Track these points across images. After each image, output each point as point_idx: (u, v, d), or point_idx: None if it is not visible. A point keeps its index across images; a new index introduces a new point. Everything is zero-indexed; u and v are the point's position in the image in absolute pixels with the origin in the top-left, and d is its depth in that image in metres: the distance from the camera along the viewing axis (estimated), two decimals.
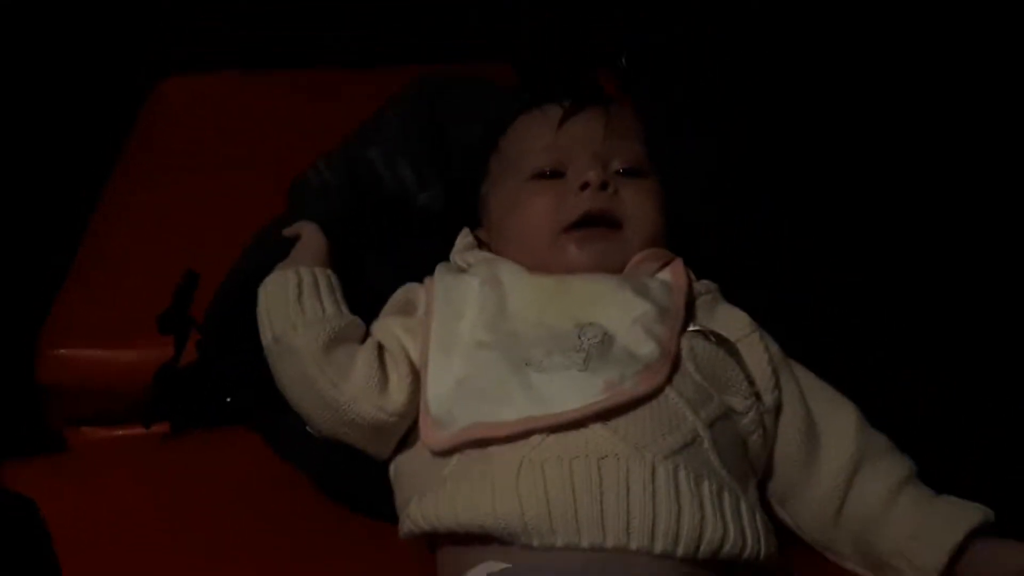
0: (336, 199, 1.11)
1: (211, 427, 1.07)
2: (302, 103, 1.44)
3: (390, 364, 0.92)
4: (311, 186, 1.14)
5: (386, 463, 0.94)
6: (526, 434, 0.82)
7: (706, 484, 0.81)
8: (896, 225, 1.27)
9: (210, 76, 1.52)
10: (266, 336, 0.95)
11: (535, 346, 0.88)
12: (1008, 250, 1.25)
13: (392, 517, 0.90)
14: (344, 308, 0.96)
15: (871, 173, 1.33)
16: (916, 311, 1.18)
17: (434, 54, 1.54)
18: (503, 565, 0.78)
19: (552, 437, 0.82)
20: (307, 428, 0.95)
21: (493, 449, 0.83)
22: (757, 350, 0.93)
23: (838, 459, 0.91)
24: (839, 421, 0.93)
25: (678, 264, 0.98)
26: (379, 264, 1.06)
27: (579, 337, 0.88)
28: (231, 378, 1.04)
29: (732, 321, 0.95)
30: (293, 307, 0.94)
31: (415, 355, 0.93)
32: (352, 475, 0.96)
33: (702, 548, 0.78)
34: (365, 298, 0.99)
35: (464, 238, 1.05)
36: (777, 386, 0.92)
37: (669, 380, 0.86)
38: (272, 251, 1.02)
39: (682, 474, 0.80)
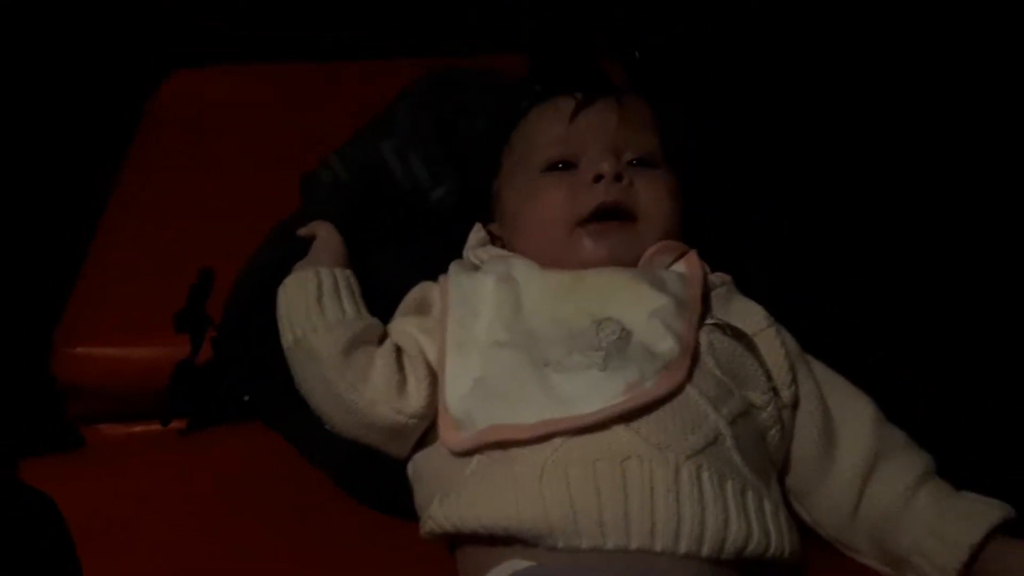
0: (349, 195, 1.11)
1: (228, 424, 1.07)
2: (310, 96, 1.43)
3: (408, 366, 0.92)
4: (323, 182, 1.14)
5: (404, 461, 0.94)
6: (548, 437, 0.82)
7: (730, 484, 0.81)
8: (896, 225, 1.27)
9: (217, 70, 1.50)
10: (287, 338, 0.95)
11: (553, 345, 0.87)
12: (1008, 250, 1.26)
13: (410, 514, 0.90)
14: (364, 310, 0.96)
15: (871, 173, 1.33)
16: (916, 311, 1.19)
17: (443, 46, 1.52)
18: (528, 563, 0.78)
19: (574, 439, 0.81)
20: (325, 427, 0.95)
21: (514, 451, 0.82)
22: (774, 344, 0.92)
23: (854, 455, 0.90)
24: (855, 416, 0.92)
25: (693, 256, 0.98)
26: (393, 261, 1.06)
27: (597, 334, 0.87)
28: (249, 376, 1.05)
29: (748, 315, 0.94)
30: (313, 309, 0.94)
31: (432, 356, 0.93)
32: (370, 472, 0.96)
33: (726, 548, 0.78)
34: (378, 295, 0.99)
35: (477, 233, 1.04)
36: (794, 381, 0.92)
37: (689, 377, 0.86)
38: (288, 249, 1.02)
39: (705, 474, 0.80)
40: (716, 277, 0.98)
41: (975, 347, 1.16)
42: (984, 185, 1.31)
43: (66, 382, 1.10)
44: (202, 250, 1.15)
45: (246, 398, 1.05)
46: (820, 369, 0.95)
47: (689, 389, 0.85)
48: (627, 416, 0.82)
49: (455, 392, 0.88)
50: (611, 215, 0.97)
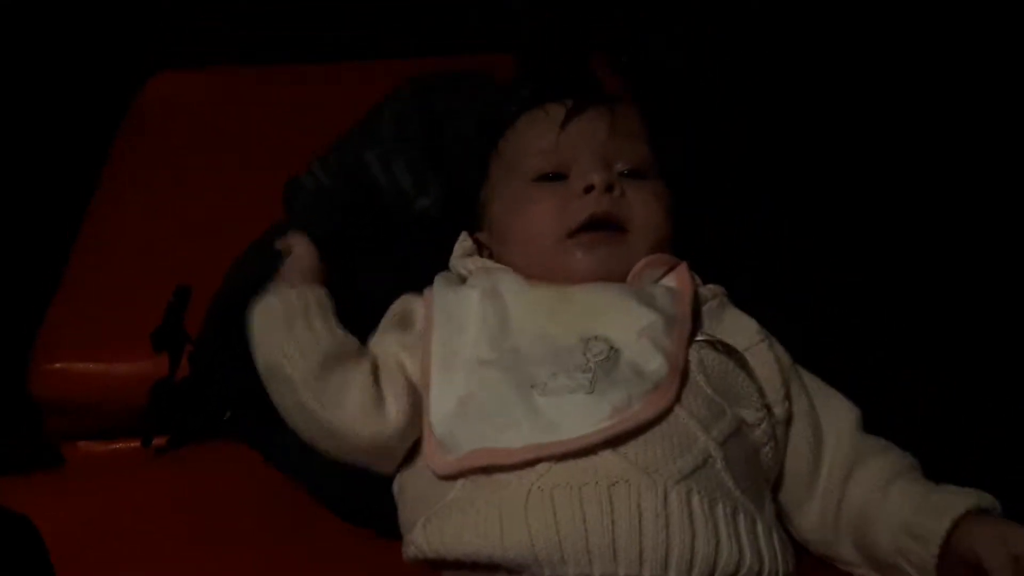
0: (332, 203, 1.10)
1: (208, 441, 1.06)
2: (295, 98, 1.40)
3: (386, 384, 0.90)
4: (306, 189, 1.13)
5: (389, 479, 0.92)
6: (533, 462, 0.81)
7: (720, 507, 0.80)
8: (896, 225, 1.27)
9: (201, 72, 1.48)
10: (259, 364, 0.92)
11: (539, 365, 0.86)
12: (1008, 250, 1.25)
13: (394, 530, 0.89)
14: (336, 327, 0.93)
15: (871, 173, 1.33)
16: (916, 311, 1.18)
17: (432, 47, 1.52)
18: None
19: (560, 464, 0.80)
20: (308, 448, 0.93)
21: (500, 476, 0.81)
22: (767, 359, 0.91)
23: (834, 462, 0.90)
24: (837, 424, 0.92)
25: (683, 269, 0.96)
26: (376, 270, 1.04)
27: (584, 354, 0.86)
28: (227, 393, 1.03)
29: (740, 329, 0.93)
30: (283, 335, 0.91)
31: (413, 372, 0.91)
32: (353, 490, 0.95)
33: (717, 573, 0.78)
34: (362, 306, 0.97)
35: (463, 243, 1.03)
36: (788, 396, 0.91)
37: (678, 398, 0.84)
38: (265, 265, 0.99)
39: (695, 498, 0.79)
40: (707, 290, 0.97)
41: (975, 347, 1.15)
42: (984, 185, 1.31)
43: (43, 398, 1.09)
44: (184, 263, 1.13)
45: (227, 416, 1.04)
46: (808, 379, 0.94)
47: (678, 410, 0.84)
48: (614, 441, 0.81)
49: (440, 411, 0.87)
50: (602, 226, 0.96)
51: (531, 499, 0.78)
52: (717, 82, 1.41)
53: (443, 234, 1.04)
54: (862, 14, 1.46)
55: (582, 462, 0.80)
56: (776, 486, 0.91)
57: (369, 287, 1.01)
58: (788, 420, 0.91)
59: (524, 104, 1.07)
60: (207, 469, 1.04)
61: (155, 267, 1.15)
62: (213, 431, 1.05)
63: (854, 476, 0.89)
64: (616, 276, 0.95)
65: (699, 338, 0.90)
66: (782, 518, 0.91)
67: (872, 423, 0.93)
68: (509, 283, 0.95)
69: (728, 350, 0.89)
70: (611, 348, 0.86)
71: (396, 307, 0.98)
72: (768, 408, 0.89)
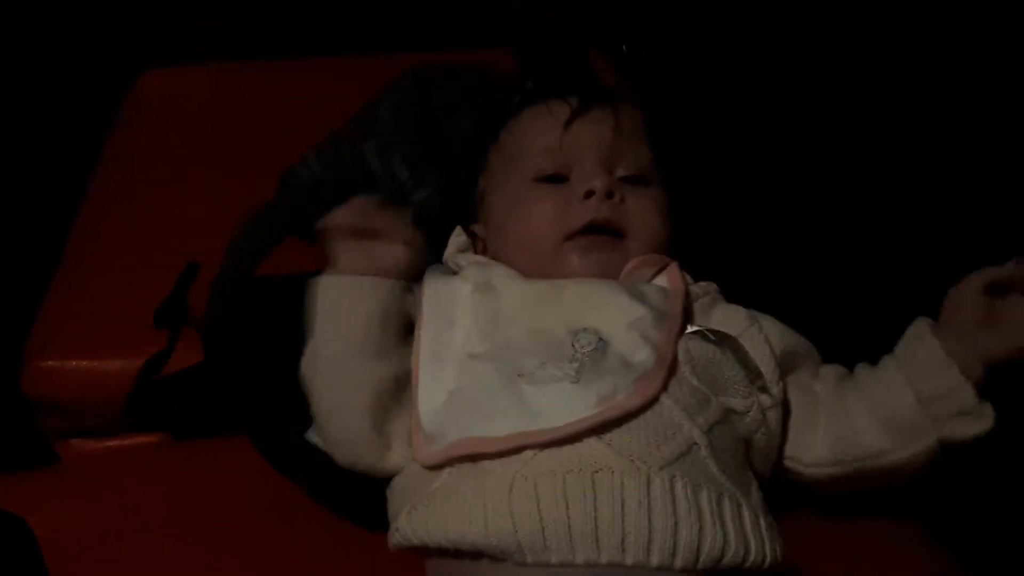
0: (328, 195, 1.06)
1: (206, 437, 1.05)
2: (289, 94, 1.38)
3: (393, 425, 0.90)
4: (302, 181, 1.13)
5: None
6: (518, 450, 0.81)
7: (704, 493, 0.80)
8: (896, 225, 1.27)
9: (193, 68, 1.46)
10: (325, 346, 0.91)
11: (528, 355, 0.86)
12: (1008, 250, 1.25)
13: (384, 525, 0.88)
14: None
15: (871, 173, 1.33)
16: (916, 311, 1.17)
17: (430, 41, 1.52)
18: None
19: (545, 452, 0.81)
20: (305, 438, 0.94)
21: (484, 464, 0.82)
22: (758, 342, 0.91)
23: (827, 382, 0.94)
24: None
25: (673, 268, 0.97)
26: None
27: (572, 345, 0.86)
28: (236, 386, 1.03)
29: (728, 319, 0.93)
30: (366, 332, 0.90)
31: None
32: (348, 488, 0.94)
33: (701, 559, 0.78)
34: None
35: (457, 237, 1.03)
36: (783, 377, 0.91)
37: (664, 387, 0.85)
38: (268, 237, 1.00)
39: (679, 485, 0.79)
40: (699, 288, 0.97)
41: None
42: (984, 185, 1.31)
43: (37, 397, 1.08)
44: (177, 259, 1.12)
45: (236, 411, 1.03)
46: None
47: (664, 399, 0.84)
48: (599, 428, 0.81)
49: (428, 405, 0.87)
50: (600, 232, 0.97)
51: (515, 486, 0.79)
52: (717, 82, 1.41)
53: (439, 227, 1.04)
54: (862, 14, 1.46)
55: (567, 450, 0.80)
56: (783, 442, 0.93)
57: None
58: (784, 404, 0.91)
59: (528, 97, 1.07)
60: (203, 466, 1.03)
61: (148, 264, 1.14)
62: (212, 426, 1.05)
63: (843, 384, 0.93)
64: (609, 279, 0.95)
65: (689, 330, 0.90)
66: (795, 461, 0.93)
67: None
68: (503, 277, 0.95)
69: (721, 337, 0.90)
70: (600, 339, 0.87)
71: None
72: (763, 389, 0.89)
